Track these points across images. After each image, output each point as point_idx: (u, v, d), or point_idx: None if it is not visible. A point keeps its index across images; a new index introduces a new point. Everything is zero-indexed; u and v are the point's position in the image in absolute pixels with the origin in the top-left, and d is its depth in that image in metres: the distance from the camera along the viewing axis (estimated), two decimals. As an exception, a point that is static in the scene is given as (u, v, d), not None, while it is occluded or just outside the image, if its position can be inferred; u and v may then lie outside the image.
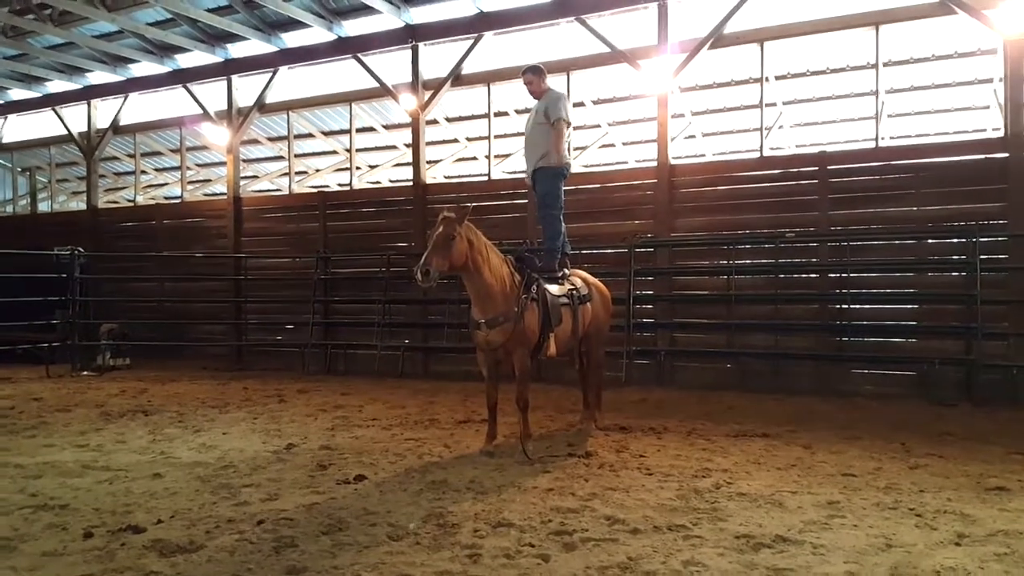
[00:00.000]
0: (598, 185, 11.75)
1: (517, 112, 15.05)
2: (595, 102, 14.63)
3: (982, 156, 9.39)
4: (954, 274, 9.52)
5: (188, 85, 14.89)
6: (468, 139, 16.51)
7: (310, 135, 16.50)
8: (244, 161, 17.26)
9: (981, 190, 9.37)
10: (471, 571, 3.61)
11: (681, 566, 3.64)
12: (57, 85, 16.67)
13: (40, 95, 17.11)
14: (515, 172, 15.72)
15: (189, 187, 17.63)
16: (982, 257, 8.93)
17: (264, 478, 5.41)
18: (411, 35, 12.53)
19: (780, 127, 14.80)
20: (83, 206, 17.44)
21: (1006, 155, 9.14)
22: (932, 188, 9.59)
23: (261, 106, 14.53)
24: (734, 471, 5.54)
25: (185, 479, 5.39)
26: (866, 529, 4.18)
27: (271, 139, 16.91)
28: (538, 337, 6.27)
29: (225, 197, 15.14)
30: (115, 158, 19.30)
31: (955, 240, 9.53)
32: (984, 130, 13.83)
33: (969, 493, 4.93)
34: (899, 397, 9.12)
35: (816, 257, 10.16)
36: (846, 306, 9.90)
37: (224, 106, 14.68)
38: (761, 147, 10.89)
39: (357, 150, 15.25)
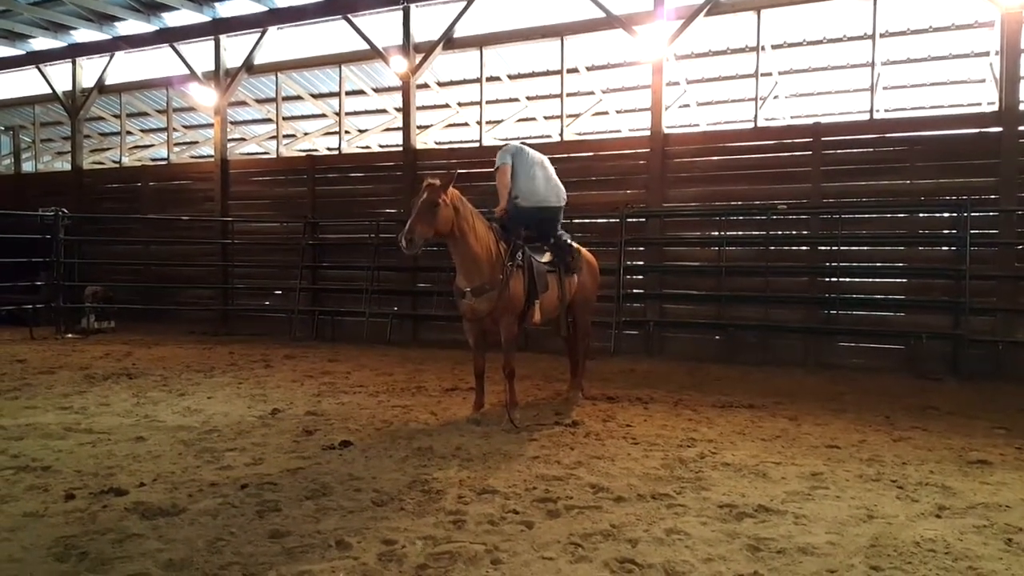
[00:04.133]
0: (590, 153, 11.65)
1: (510, 77, 14.87)
2: (589, 68, 14.43)
3: (976, 130, 9.35)
4: (944, 248, 9.53)
5: (175, 44, 14.59)
6: (460, 104, 16.30)
7: (299, 97, 16.27)
8: (231, 123, 17.02)
9: (974, 164, 9.34)
10: (455, 536, 3.61)
11: (664, 534, 3.66)
12: (41, 43, 16.31)
13: (24, 52, 16.73)
14: (507, 139, 15.59)
15: (175, 149, 17.40)
16: (972, 232, 8.93)
17: (248, 443, 5.39)
18: (403, -4, 12.30)
19: (775, 97, 14.68)
20: (68, 166, 17.19)
21: (1000, 129, 9.10)
22: (926, 161, 9.56)
23: (249, 67, 14.28)
24: (719, 441, 5.56)
25: (168, 443, 5.37)
26: (848, 500, 4.20)
27: (259, 101, 16.66)
28: (524, 304, 6.24)
29: (212, 159, 14.94)
30: (100, 118, 18.99)
31: (946, 214, 9.52)
32: (979, 104, 13.77)
33: (951, 466, 4.96)
34: (886, 370, 9.17)
35: (807, 229, 10.14)
36: (836, 279, 9.91)
37: (212, 66, 14.41)
38: (755, 117, 10.81)
39: (346, 114, 15.05)
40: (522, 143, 6.90)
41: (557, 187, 6.77)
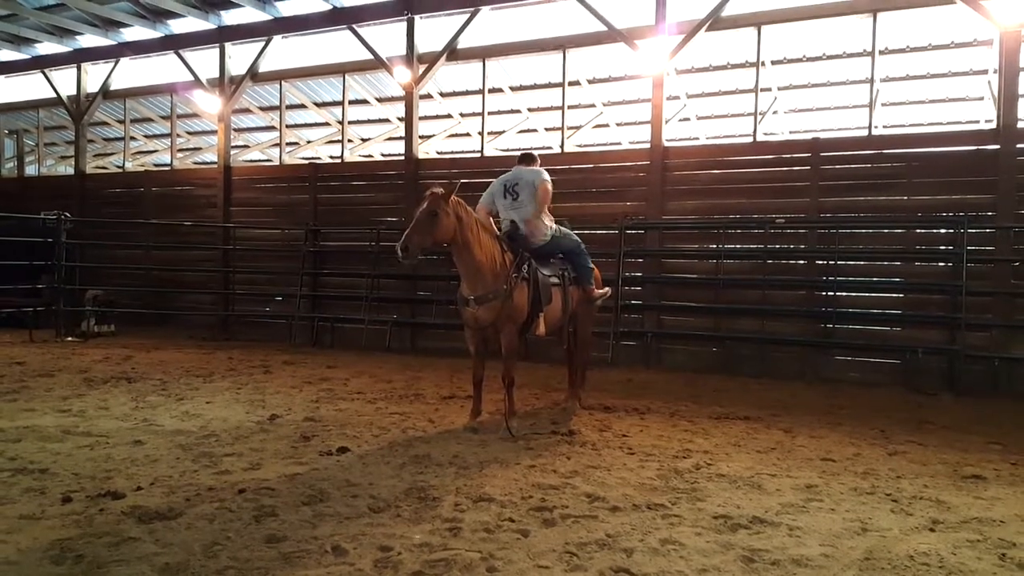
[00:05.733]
0: (591, 165, 11.71)
1: (512, 89, 14.95)
2: (590, 81, 14.53)
3: (974, 147, 9.41)
4: (941, 264, 9.57)
5: (180, 51, 14.68)
6: (462, 115, 16.38)
7: (302, 106, 16.35)
8: (235, 130, 17.11)
9: (972, 181, 9.39)
10: (451, 544, 3.62)
11: (659, 544, 3.67)
12: (47, 47, 16.40)
13: (29, 57, 16.83)
14: (508, 149, 15.67)
15: (179, 155, 17.46)
16: (969, 248, 8.97)
17: (246, 448, 5.40)
18: (407, 7, 12.38)
19: (774, 112, 14.77)
20: (71, 171, 17.24)
21: (997, 147, 9.16)
22: (923, 178, 9.61)
23: (254, 75, 14.36)
24: (715, 453, 5.58)
25: (166, 447, 5.38)
26: (842, 513, 4.22)
27: (263, 109, 16.75)
28: (527, 315, 6.27)
29: (215, 166, 15.01)
30: (104, 123, 19.08)
31: (943, 230, 9.57)
32: (977, 121, 13.84)
33: (945, 480, 4.98)
34: (882, 384, 9.18)
35: (805, 243, 10.18)
36: (833, 293, 9.94)
37: (216, 74, 14.49)
38: (755, 132, 10.87)
39: (349, 122, 15.13)
40: (520, 161, 6.81)
41: (531, 227, 6.47)
